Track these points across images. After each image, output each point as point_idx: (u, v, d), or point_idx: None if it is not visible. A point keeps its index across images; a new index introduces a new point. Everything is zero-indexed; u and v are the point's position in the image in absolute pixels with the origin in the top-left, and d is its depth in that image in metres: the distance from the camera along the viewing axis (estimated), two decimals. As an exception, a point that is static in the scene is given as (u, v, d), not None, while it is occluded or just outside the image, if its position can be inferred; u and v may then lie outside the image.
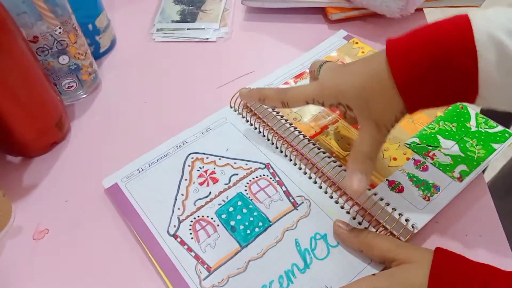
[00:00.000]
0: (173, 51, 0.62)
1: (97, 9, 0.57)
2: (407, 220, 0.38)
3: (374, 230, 0.39)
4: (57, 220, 0.43)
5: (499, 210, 0.41)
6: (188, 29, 0.64)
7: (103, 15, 0.58)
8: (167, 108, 0.54)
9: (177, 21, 0.65)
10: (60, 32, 0.47)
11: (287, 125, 0.46)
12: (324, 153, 0.44)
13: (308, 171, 0.44)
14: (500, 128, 0.46)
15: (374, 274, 0.35)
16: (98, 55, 0.60)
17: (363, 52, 0.56)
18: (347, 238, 0.38)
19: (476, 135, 0.46)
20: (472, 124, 0.47)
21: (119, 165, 0.46)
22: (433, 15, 0.66)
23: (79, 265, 0.40)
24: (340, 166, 0.42)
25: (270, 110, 0.48)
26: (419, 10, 0.63)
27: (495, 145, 0.45)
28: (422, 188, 0.41)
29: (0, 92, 0.42)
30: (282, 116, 0.47)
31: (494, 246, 0.39)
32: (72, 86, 0.53)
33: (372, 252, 0.37)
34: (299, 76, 0.54)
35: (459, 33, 0.32)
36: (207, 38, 0.63)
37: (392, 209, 0.39)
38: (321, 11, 0.65)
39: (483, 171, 0.45)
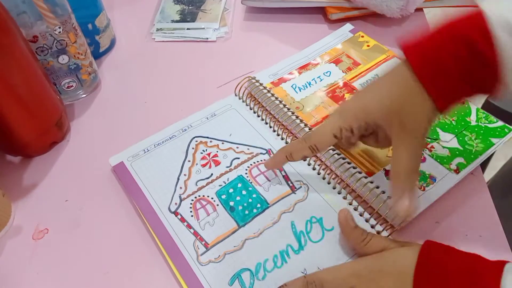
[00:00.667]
0: (173, 50, 0.62)
1: (97, 9, 0.57)
2: None
3: (369, 216, 0.40)
4: (57, 220, 0.43)
5: (499, 210, 0.41)
6: (188, 28, 0.64)
7: (103, 14, 0.58)
8: (167, 108, 0.54)
9: (177, 21, 0.65)
10: (59, 32, 0.47)
11: (289, 113, 0.47)
12: None
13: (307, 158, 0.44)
14: (500, 123, 0.46)
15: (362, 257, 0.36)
16: (97, 55, 0.60)
17: (368, 45, 0.57)
18: (349, 234, 0.38)
19: (476, 129, 0.46)
20: (473, 118, 0.47)
21: (119, 165, 0.46)
22: (433, 15, 0.66)
23: (79, 264, 0.40)
24: (338, 154, 0.43)
25: (273, 98, 0.49)
26: (419, 10, 0.63)
27: (494, 140, 0.45)
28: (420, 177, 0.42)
29: (0, 92, 0.42)
30: (285, 105, 0.48)
31: (494, 246, 0.39)
32: (71, 86, 0.53)
33: (366, 251, 0.36)
34: (304, 67, 0.55)
35: (473, 20, 0.32)
36: (207, 38, 0.63)
37: (388, 197, 0.39)
38: (321, 11, 0.65)
39: (483, 171, 0.45)
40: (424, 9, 0.63)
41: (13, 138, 0.45)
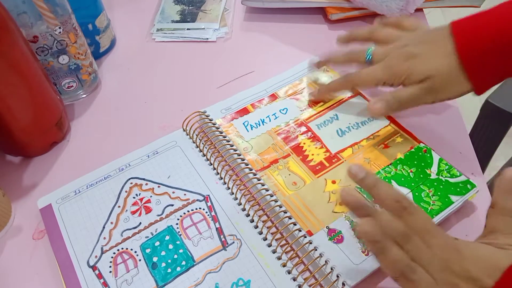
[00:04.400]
0: (173, 51, 0.62)
1: (97, 9, 0.57)
2: (338, 276, 0.36)
3: (303, 281, 0.37)
4: (57, 220, 0.43)
5: (499, 210, 0.41)
6: (188, 29, 0.64)
7: (103, 15, 0.59)
8: (167, 108, 0.54)
9: (177, 21, 0.65)
10: (60, 32, 0.47)
11: (235, 155, 0.45)
12: (267, 190, 0.42)
13: (247, 207, 0.41)
14: (462, 178, 0.41)
15: (456, 238, 0.33)
16: (98, 55, 0.60)
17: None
18: (506, 195, 0.34)
19: (435, 183, 0.41)
20: (433, 170, 0.42)
21: (119, 165, 0.46)
22: (433, 15, 0.66)
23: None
24: (280, 206, 0.40)
25: (220, 138, 0.46)
26: (419, 10, 0.63)
27: (453, 197, 0.40)
28: (363, 241, 0.38)
29: (0, 92, 0.42)
30: (232, 146, 0.46)
31: (494, 246, 0.39)
32: (72, 86, 0.53)
33: (501, 217, 0.34)
34: (260, 101, 0.51)
35: None
36: (207, 38, 0.63)
37: (325, 261, 0.37)
38: (321, 11, 0.65)
39: (483, 171, 0.44)
40: (424, 9, 0.63)
41: (13, 138, 0.45)
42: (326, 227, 0.39)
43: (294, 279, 0.37)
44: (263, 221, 0.41)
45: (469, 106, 0.47)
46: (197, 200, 0.43)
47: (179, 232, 0.41)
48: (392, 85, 0.44)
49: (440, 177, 0.42)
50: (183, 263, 0.39)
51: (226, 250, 0.39)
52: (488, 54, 0.38)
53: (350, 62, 0.49)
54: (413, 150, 0.44)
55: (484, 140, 0.63)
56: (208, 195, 0.43)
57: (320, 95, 0.50)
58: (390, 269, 0.33)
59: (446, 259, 0.33)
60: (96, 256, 0.39)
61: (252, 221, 0.41)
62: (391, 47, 0.45)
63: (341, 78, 0.48)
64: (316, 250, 0.38)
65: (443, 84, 0.41)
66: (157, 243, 0.40)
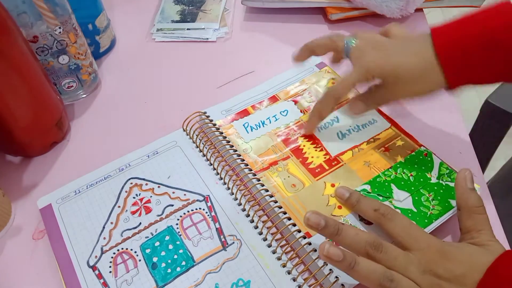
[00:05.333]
0: (173, 51, 0.62)
1: (97, 9, 0.57)
2: (336, 277, 0.36)
3: (303, 281, 0.37)
4: (57, 220, 0.43)
5: (499, 210, 0.41)
6: (188, 29, 0.64)
7: (103, 15, 0.59)
8: (166, 108, 0.54)
9: (177, 21, 0.65)
10: (60, 32, 0.47)
11: (235, 155, 0.44)
12: (266, 191, 0.41)
13: (247, 207, 0.41)
14: None
15: (442, 240, 0.34)
16: (98, 55, 0.60)
17: (333, 83, 0.52)
18: (464, 194, 0.36)
19: (435, 188, 0.41)
20: (434, 174, 0.42)
21: (119, 165, 0.46)
22: (433, 15, 0.66)
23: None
24: (280, 207, 0.40)
25: (220, 138, 0.46)
26: (419, 10, 0.63)
27: (453, 202, 0.40)
28: None
29: (0, 92, 0.42)
30: (231, 146, 0.45)
31: (494, 246, 0.39)
32: (72, 86, 0.53)
33: (472, 216, 0.36)
34: (261, 103, 0.51)
35: (502, 10, 0.35)
36: (207, 38, 0.63)
37: (324, 262, 0.36)
38: (321, 11, 0.65)
39: (483, 171, 0.44)
40: (424, 9, 0.63)
41: (13, 138, 0.45)
42: None
43: (294, 280, 0.37)
44: (263, 222, 0.41)
45: (469, 106, 0.47)
46: (197, 200, 0.43)
47: (179, 232, 0.41)
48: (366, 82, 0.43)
49: (441, 181, 0.41)
50: (183, 263, 0.39)
51: (226, 250, 0.39)
52: (466, 44, 0.36)
53: (330, 49, 0.46)
54: (413, 153, 0.44)
55: (484, 140, 0.63)
56: (208, 195, 0.43)
57: (311, 125, 0.46)
58: (367, 283, 0.33)
59: (428, 262, 0.33)
60: (96, 256, 0.40)
61: (252, 221, 0.41)
62: (365, 43, 0.43)
63: (322, 99, 0.44)
64: (315, 251, 0.37)
65: (412, 77, 0.39)
66: (157, 243, 0.40)
